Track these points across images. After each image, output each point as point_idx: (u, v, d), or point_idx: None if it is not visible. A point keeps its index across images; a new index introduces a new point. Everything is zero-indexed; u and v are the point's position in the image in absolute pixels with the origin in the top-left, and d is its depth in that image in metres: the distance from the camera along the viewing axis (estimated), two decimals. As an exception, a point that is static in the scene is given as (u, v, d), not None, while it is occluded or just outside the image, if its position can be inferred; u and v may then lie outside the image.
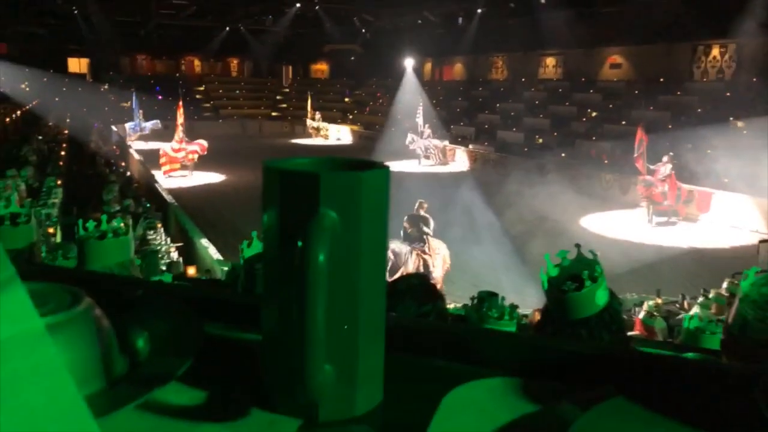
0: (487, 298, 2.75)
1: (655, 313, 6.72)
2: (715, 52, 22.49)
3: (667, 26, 21.78)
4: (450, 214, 12.48)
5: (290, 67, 44.72)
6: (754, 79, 19.90)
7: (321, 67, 44.85)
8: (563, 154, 20.28)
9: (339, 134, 34.22)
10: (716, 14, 19.99)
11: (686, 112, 20.37)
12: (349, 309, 0.49)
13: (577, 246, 1.65)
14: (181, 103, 21.40)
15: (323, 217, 0.47)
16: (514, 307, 3.25)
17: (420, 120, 24.67)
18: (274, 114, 39.68)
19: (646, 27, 22.48)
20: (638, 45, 24.47)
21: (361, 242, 0.49)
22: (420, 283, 1.68)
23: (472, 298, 3.18)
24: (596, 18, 25.00)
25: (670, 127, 18.85)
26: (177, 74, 40.72)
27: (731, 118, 17.92)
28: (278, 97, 41.72)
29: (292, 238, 0.46)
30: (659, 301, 7.54)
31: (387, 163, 0.56)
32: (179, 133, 20.61)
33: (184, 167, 20.99)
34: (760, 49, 20.12)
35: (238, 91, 41.00)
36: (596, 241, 12.95)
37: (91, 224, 1.86)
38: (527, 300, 7.08)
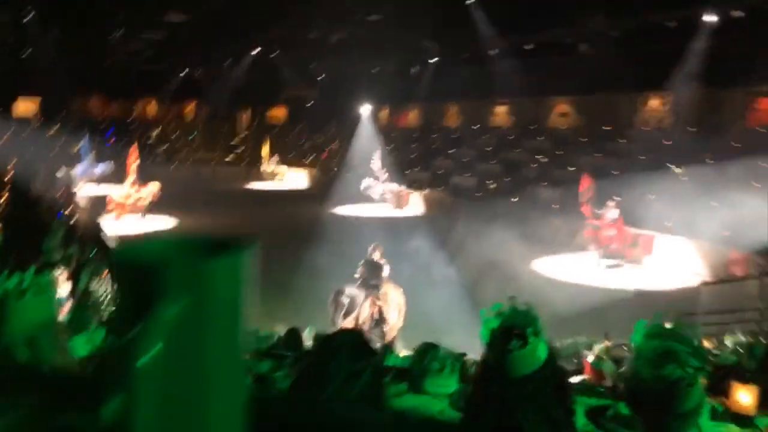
0: (428, 351, 2.78)
1: (603, 357, 6.83)
2: (654, 102, 23.76)
3: (610, 78, 22.95)
4: (405, 259, 12.55)
5: (247, 112, 44.83)
6: (691, 128, 21.08)
7: (278, 113, 45.11)
8: (515, 199, 20.79)
9: (296, 178, 34.24)
10: (654, 68, 21.22)
11: (629, 158, 21.29)
12: (197, 405, 0.44)
13: (512, 298, 1.68)
14: (135, 145, 21.08)
15: (161, 312, 0.42)
16: (459, 358, 3.27)
17: (376, 165, 24.99)
18: (229, 159, 39.47)
19: (591, 78, 23.64)
20: (583, 95, 25.67)
21: (209, 332, 0.44)
22: (354, 339, 1.69)
23: (414, 350, 3.20)
24: (544, 69, 26.16)
25: (614, 173, 19.64)
26: (131, 117, 40.23)
27: (671, 165, 18.82)
28: (234, 142, 41.59)
29: (129, 331, 0.42)
30: (608, 343, 7.70)
31: (251, 243, 0.50)
32: (131, 176, 20.24)
33: (135, 212, 20.54)
34: (695, 101, 21.40)
35: (192, 137, 40.71)
36: (547, 284, 13.23)
37: (12, 280, 1.78)
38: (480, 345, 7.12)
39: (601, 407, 2.56)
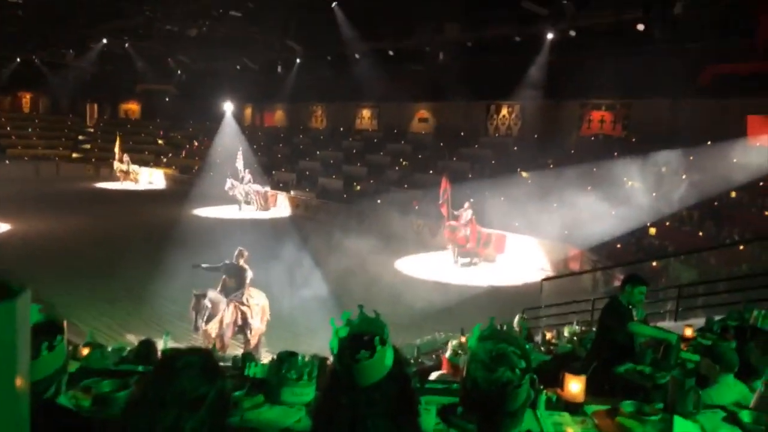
0: (286, 359, 2.75)
1: (459, 351, 7.23)
2: (504, 111, 25.62)
3: (465, 86, 24.35)
4: (270, 262, 12.32)
5: (96, 106, 41.30)
6: (535, 135, 23.04)
7: (132, 107, 42.10)
8: (379, 200, 21.30)
9: (151, 178, 32.20)
10: (504, 78, 22.86)
11: (482, 163, 22.75)
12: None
13: (360, 306, 1.69)
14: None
15: None
16: (320, 362, 3.26)
17: (240, 165, 24.26)
18: (75, 155, 36.08)
19: (447, 86, 24.91)
20: (441, 101, 26.99)
21: None
22: (200, 360, 1.59)
23: (271, 360, 3.14)
24: (404, 75, 27.09)
25: (470, 176, 20.88)
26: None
27: (518, 169, 20.40)
28: (80, 137, 38.09)
29: None
30: (463, 339, 8.16)
31: (21, 288, 0.45)
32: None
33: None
34: (538, 110, 23.41)
35: (30, 129, 36.65)
36: (409, 281, 13.73)
37: None
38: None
39: (452, 405, 2.70)
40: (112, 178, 31.46)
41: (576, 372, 3.05)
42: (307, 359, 3.05)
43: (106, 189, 29.80)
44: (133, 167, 31.40)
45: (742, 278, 8.92)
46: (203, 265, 9.41)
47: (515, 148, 23.37)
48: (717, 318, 7.12)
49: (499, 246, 16.51)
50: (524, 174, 20.03)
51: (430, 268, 15.49)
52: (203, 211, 23.15)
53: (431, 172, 22.54)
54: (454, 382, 3.64)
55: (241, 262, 9.55)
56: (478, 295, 12.82)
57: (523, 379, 1.50)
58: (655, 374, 4.13)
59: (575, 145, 21.61)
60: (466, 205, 15.85)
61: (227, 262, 9.52)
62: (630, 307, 4.78)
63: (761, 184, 14.53)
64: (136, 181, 31.20)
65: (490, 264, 16.07)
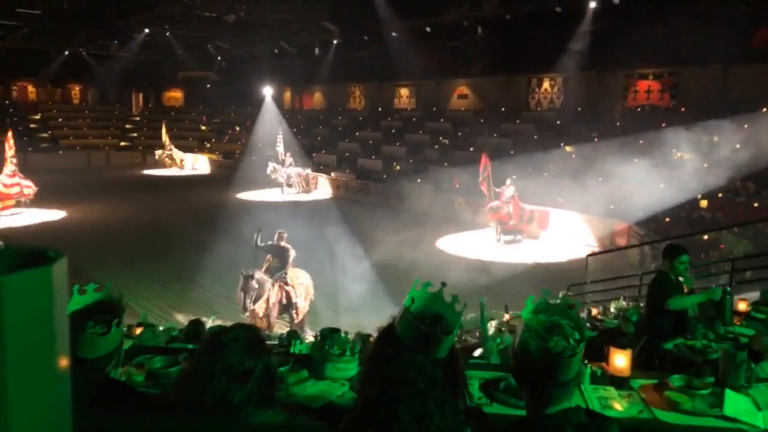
0: (329, 335, 2.79)
1: (503, 329, 7.18)
2: (546, 84, 25.00)
3: (505, 60, 23.86)
4: (314, 243, 12.49)
5: (140, 95, 42.37)
6: (579, 109, 22.43)
7: (175, 95, 43.02)
8: (419, 180, 21.22)
9: (196, 164, 32.93)
10: (545, 51, 22.28)
11: (524, 138, 22.33)
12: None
13: (443, 284, 1.64)
14: (10, 133, 19.28)
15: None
16: (363, 339, 3.30)
17: (281, 148, 24.54)
18: (123, 144, 37.17)
19: (488, 61, 24.45)
20: (480, 77, 26.53)
21: (8, 349, 0.40)
22: (246, 335, 1.64)
23: (315, 336, 3.20)
24: (443, 51, 26.70)
25: (511, 152, 20.54)
26: (7, 101, 36.82)
27: (562, 144, 19.95)
28: (127, 126, 39.18)
29: None
30: (507, 316, 8.09)
31: (61, 255, 0.45)
32: (10, 165, 18.59)
33: (18, 204, 18.95)
34: (581, 82, 22.76)
35: (80, 120, 37.91)
36: (451, 260, 13.68)
37: None
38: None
39: (494, 380, 2.70)
40: (159, 165, 32.33)
41: (623, 346, 3.00)
42: (350, 336, 3.09)
43: (154, 176, 30.66)
44: (178, 153, 32.19)
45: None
46: (259, 243, 9.64)
47: (558, 122, 22.84)
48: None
49: (543, 222, 16.25)
50: (568, 148, 19.59)
51: (472, 246, 15.39)
52: (247, 195, 23.59)
53: (471, 149, 22.28)
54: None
55: (282, 243, 9.73)
56: (522, 273, 12.69)
57: (576, 350, 1.49)
58: (707, 349, 4.01)
59: (621, 117, 20.97)
60: (508, 182, 15.62)
61: (270, 242, 9.72)
62: (677, 279, 4.65)
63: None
64: (181, 167, 31.99)
65: (533, 241, 15.85)
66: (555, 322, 1.52)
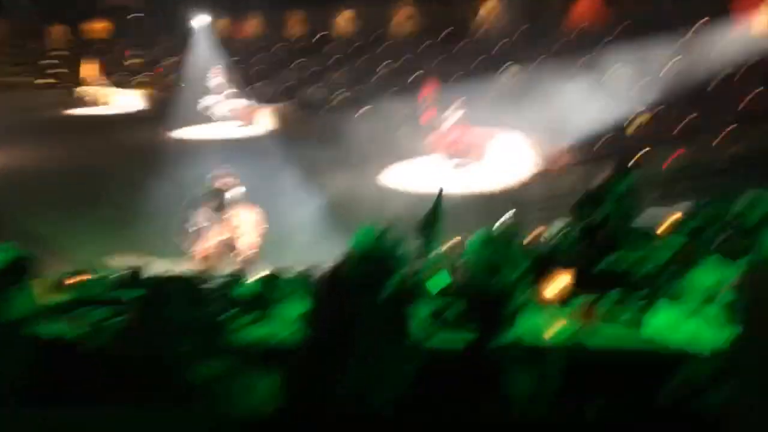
0: (273, 279, 2.74)
1: (449, 257, 7.31)
2: (491, 3, 24.55)
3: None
4: (254, 180, 12.21)
5: (59, 28, 39.25)
6: (522, 29, 22.21)
7: (98, 27, 40.02)
8: (363, 109, 20.86)
9: (123, 101, 31.13)
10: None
11: (469, 60, 22.09)
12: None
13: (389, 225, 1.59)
14: None
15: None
16: (307, 278, 3.27)
17: (216, 81, 23.51)
18: (42, 82, 34.65)
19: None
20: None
21: None
22: (184, 287, 1.57)
23: (262, 278, 3.15)
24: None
25: (456, 76, 20.32)
26: None
27: (506, 65, 19.86)
28: (46, 62, 36.43)
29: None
30: (453, 243, 8.22)
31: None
32: None
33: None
34: (525, 2, 22.45)
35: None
36: (396, 191, 13.71)
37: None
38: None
39: (443, 307, 2.73)
40: (83, 103, 30.46)
41: (562, 267, 3.08)
42: (295, 276, 3.05)
43: (78, 115, 28.93)
44: (104, 90, 30.38)
45: (730, 164, 8.95)
46: (194, 202, 9.34)
47: (502, 42, 22.62)
48: (703, 203, 7.17)
49: (487, 145, 16.34)
50: (512, 69, 19.55)
51: (418, 176, 15.43)
52: (181, 132, 22.63)
53: (417, 74, 21.93)
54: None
55: (220, 182, 9.48)
56: (468, 200, 12.86)
57: (524, 279, 1.51)
58: (641, 263, 4.18)
59: (563, 36, 20.94)
60: (454, 105, 15.55)
61: (206, 184, 9.47)
62: (619, 196, 4.78)
63: (752, 65, 14.25)
64: (107, 105, 30.25)
65: (478, 165, 15.98)
66: (502, 256, 1.53)
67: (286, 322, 2.64)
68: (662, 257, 4.44)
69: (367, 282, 1.45)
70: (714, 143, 10.95)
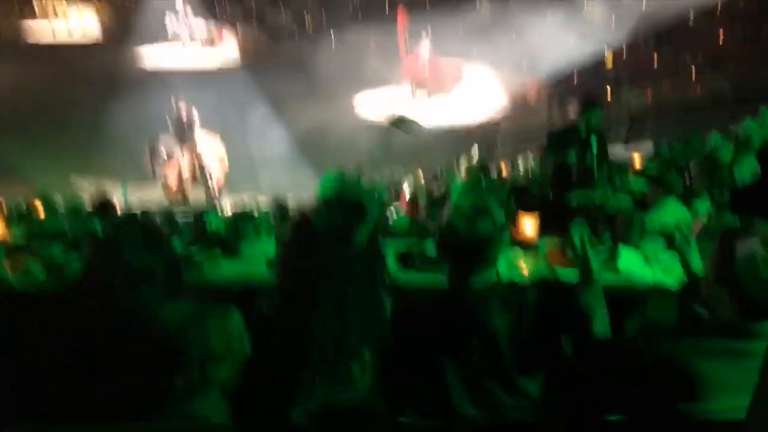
0: (243, 216, 2.71)
1: (417, 191, 7.36)
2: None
3: None
4: (222, 107, 11.87)
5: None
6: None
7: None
8: (332, 35, 20.17)
9: (80, 17, 29.22)
10: None
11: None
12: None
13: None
14: None
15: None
16: (278, 212, 3.24)
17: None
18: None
19: None
20: None
21: None
22: (141, 231, 1.52)
23: (232, 214, 3.11)
24: None
25: (427, 5, 19.67)
26: None
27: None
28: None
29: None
30: (420, 175, 8.26)
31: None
32: None
33: None
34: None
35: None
36: (368, 125, 13.51)
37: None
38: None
39: (414, 252, 2.76)
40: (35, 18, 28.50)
41: (530, 208, 3.13)
42: (264, 211, 3.02)
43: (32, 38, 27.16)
44: (61, 6, 28.42)
45: (693, 107, 9.08)
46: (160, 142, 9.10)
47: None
48: (665, 143, 7.32)
49: (457, 77, 16.12)
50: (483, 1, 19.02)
51: (388, 107, 15.20)
52: (143, 55, 21.52)
53: (388, 4, 21.14)
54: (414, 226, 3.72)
55: (182, 111, 9.21)
56: (438, 134, 12.81)
57: (502, 231, 1.53)
58: (605, 204, 4.27)
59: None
60: (423, 34, 15.19)
61: (169, 113, 9.21)
62: (587, 133, 4.79)
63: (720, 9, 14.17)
64: (65, 18, 28.36)
65: (447, 97, 15.79)
66: (482, 205, 1.53)
67: (255, 260, 2.63)
68: (628, 196, 4.55)
69: (336, 231, 1.44)
70: (681, 83, 11.04)
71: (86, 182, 9.63)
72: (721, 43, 13.08)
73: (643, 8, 14.78)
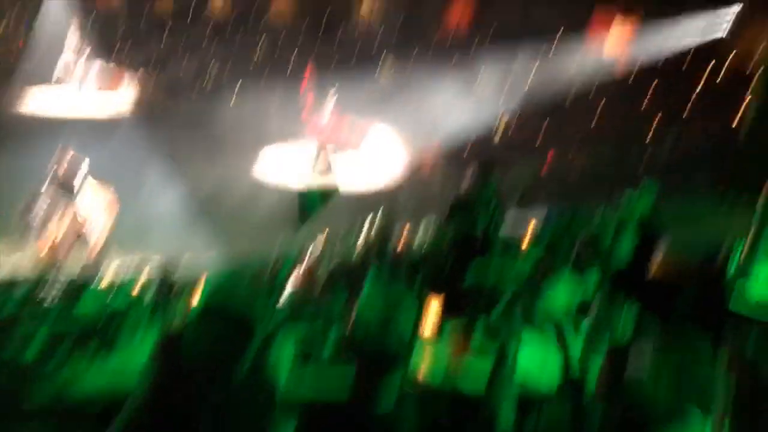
0: (118, 302, 2.44)
1: (320, 259, 7.19)
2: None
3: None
4: (113, 161, 11.19)
5: None
6: (399, 21, 22.37)
7: None
8: (234, 94, 19.97)
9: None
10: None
11: (349, 48, 21.92)
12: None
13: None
14: None
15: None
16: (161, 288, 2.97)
17: (72, 42, 21.01)
18: None
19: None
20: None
21: None
22: None
23: (116, 282, 2.82)
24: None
25: (335, 64, 20.07)
26: None
27: (382, 56, 19.95)
28: None
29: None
30: (321, 240, 8.12)
31: None
32: None
33: None
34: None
35: None
36: (266, 189, 13.27)
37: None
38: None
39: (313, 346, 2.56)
40: None
41: (438, 289, 3.09)
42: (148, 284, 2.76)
43: None
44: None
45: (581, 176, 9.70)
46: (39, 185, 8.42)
47: (380, 33, 22.69)
48: (555, 212, 7.68)
49: (362, 137, 16.32)
50: (388, 62, 19.74)
51: (289, 168, 15.08)
52: (31, 99, 20.03)
53: (293, 57, 21.40)
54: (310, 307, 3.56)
55: (66, 164, 8.62)
56: (340, 197, 12.81)
57: (413, 327, 1.44)
58: (503, 279, 4.35)
59: (438, 34, 21.45)
60: (330, 92, 15.37)
61: (53, 165, 8.57)
62: (485, 201, 4.89)
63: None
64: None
65: (350, 157, 15.90)
66: (396, 299, 1.47)
67: (131, 358, 2.34)
68: (523, 270, 4.66)
69: (209, 358, 1.25)
70: (567, 156, 11.87)
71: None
72: (600, 119, 14.30)
73: (533, 78, 15.90)
